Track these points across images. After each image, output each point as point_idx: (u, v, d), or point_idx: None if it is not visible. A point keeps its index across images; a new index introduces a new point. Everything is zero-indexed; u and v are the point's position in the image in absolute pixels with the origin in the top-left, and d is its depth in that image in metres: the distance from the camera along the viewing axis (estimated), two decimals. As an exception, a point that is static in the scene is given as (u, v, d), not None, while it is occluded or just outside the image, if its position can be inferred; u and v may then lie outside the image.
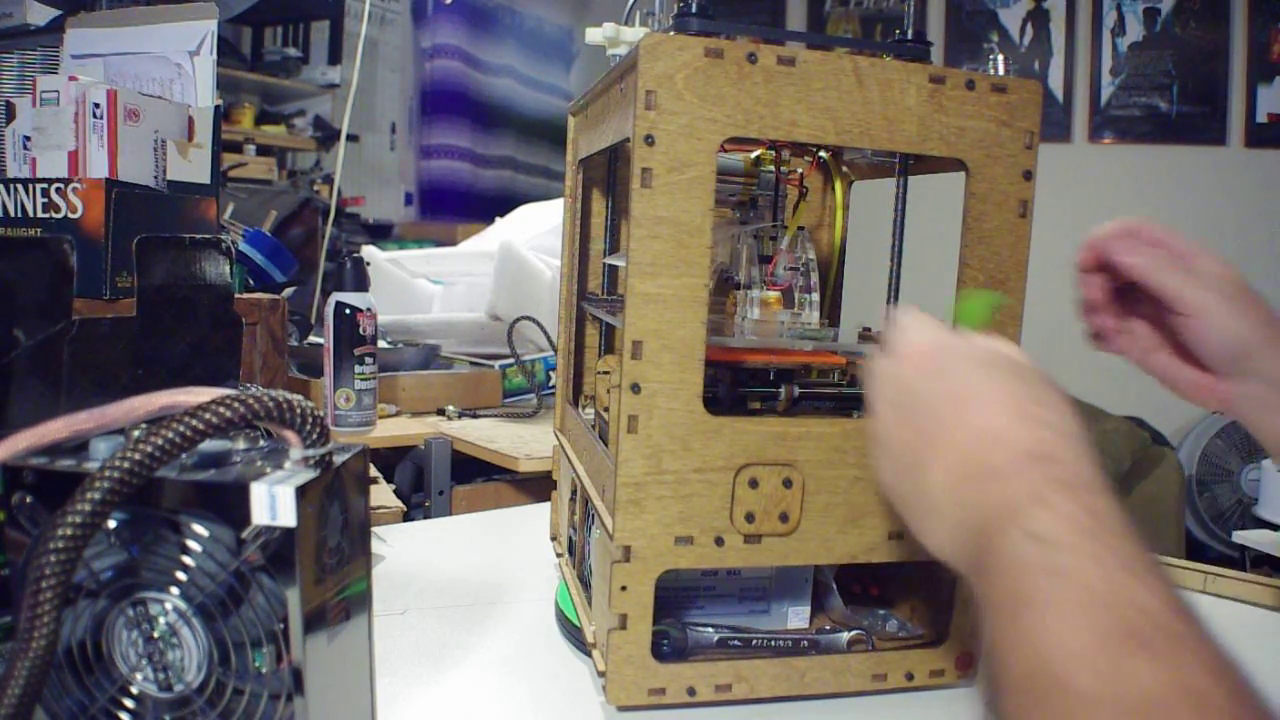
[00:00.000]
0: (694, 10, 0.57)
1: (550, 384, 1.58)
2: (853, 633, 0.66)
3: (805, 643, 0.65)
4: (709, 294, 0.57)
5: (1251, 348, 0.59)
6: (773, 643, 0.65)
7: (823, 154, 0.74)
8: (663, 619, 0.65)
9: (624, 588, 0.58)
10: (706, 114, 0.55)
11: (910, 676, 0.63)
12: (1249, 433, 0.63)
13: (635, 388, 0.56)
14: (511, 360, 1.51)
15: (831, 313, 0.79)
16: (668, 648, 0.64)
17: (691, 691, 0.60)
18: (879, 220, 0.67)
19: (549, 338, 1.52)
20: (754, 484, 0.59)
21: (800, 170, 0.74)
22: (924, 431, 0.48)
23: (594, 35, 0.65)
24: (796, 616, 0.69)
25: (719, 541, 0.59)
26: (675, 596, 0.67)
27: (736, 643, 0.65)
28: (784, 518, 0.59)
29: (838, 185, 0.77)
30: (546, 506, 0.90)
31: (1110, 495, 0.39)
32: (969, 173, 0.59)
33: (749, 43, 0.56)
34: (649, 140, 0.55)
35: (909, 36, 0.61)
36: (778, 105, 0.56)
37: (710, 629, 0.65)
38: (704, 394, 0.58)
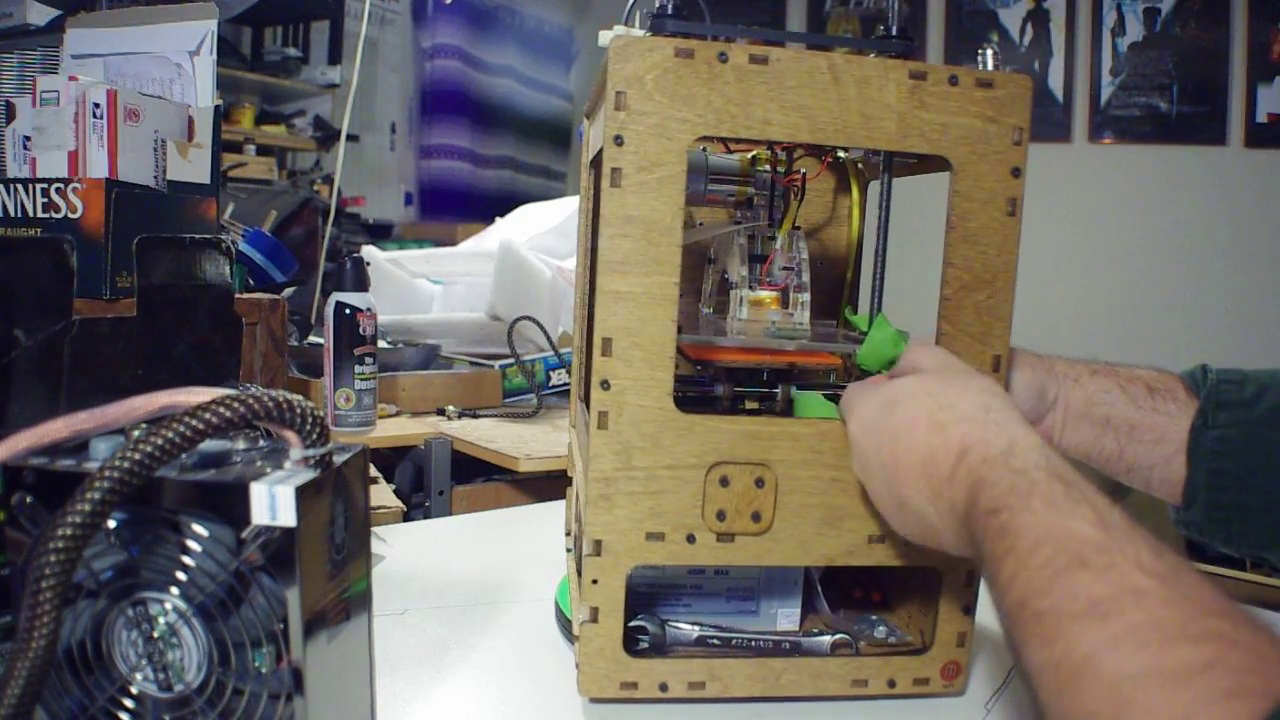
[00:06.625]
0: (670, 12, 0.57)
1: (550, 384, 1.58)
2: (837, 636, 0.65)
3: (786, 644, 0.64)
4: (679, 292, 0.57)
5: (1045, 385, 0.67)
6: (752, 643, 0.64)
7: (841, 153, 0.74)
8: (645, 614, 0.65)
9: (595, 581, 0.59)
10: (677, 114, 0.56)
11: (893, 684, 0.62)
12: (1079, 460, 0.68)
13: (605, 384, 0.57)
14: (511, 360, 1.51)
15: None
16: (646, 643, 0.64)
17: (664, 687, 0.60)
18: (898, 219, 0.68)
19: (549, 338, 1.52)
20: (725, 482, 0.59)
21: (804, 170, 0.73)
22: (883, 457, 0.53)
23: (606, 38, 0.65)
24: (786, 618, 0.68)
25: (690, 539, 0.59)
26: (660, 593, 0.67)
27: (715, 641, 0.64)
28: (756, 517, 0.59)
29: (854, 184, 0.77)
30: (546, 506, 0.90)
31: (1027, 445, 0.46)
32: (953, 170, 0.59)
33: (722, 43, 0.56)
34: (618, 140, 0.55)
35: (893, 33, 0.60)
36: (750, 104, 0.56)
37: (690, 626, 0.65)
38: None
